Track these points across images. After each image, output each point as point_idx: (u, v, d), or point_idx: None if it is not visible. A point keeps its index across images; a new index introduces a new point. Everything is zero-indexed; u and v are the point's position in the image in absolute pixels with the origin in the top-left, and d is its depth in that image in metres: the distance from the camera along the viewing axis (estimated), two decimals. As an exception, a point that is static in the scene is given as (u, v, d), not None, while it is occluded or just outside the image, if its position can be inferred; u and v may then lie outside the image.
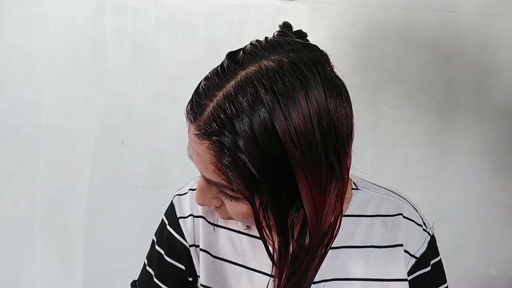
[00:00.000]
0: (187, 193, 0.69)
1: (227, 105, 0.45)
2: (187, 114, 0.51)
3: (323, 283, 0.61)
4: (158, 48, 1.08)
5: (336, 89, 0.48)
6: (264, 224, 0.49)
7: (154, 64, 1.08)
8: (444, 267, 0.68)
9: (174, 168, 1.11)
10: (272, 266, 0.55)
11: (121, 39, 1.07)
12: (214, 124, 0.46)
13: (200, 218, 0.67)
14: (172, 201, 0.70)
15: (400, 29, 1.06)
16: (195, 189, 0.68)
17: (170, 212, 0.69)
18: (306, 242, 0.51)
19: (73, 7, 1.07)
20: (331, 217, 0.51)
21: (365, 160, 1.03)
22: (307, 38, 0.53)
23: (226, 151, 0.46)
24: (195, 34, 1.07)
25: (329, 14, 1.05)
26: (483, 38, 1.06)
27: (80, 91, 1.09)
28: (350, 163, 0.52)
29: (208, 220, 0.67)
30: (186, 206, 0.68)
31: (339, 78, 0.50)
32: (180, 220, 0.67)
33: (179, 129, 1.07)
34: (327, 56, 0.51)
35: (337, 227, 0.52)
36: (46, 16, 1.07)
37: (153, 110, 1.10)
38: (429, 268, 0.65)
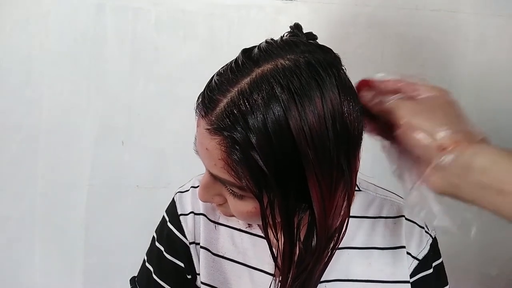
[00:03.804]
0: (188, 190, 0.70)
1: (241, 101, 0.45)
2: (197, 109, 0.51)
3: (324, 284, 0.62)
4: (158, 48, 1.08)
5: (349, 92, 0.49)
6: (270, 223, 0.50)
7: (154, 64, 1.08)
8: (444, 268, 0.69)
9: (174, 168, 1.11)
10: (275, 267, 0.55)
11: (121, 39, 1.07)
12: (227, 119, 0.46)
13: (201, 216, 0.67)
14: (173, 198, 0.71)
15: (400, 29, 1.06)
16: (197, 187, 0.68)
17: (171, 209, 0.70)
18: (313, 244, 0.51)
19: (73, 7, 1.07)
20: (338, 220, 0.51)
21: (365, 160, 1.02)
22: (317, 40, 0.53)
23: (237, 147, 0.46)
24: (195, 34, 1.07)
25: (329, 14, 1.05)
26: (483, 38, 1.06)
27: (80, 91, 1.09)
28: (358, 167, 0.52)
29: (209, 217, 0.68)
30: (188, 203, 0.68)
31: (351, 82, 0.50)
32: (181, 217, 0.68)
33: (179, 129, 1.08)
34: (340, 59, 0.51)
35: (344, 229, 0.52)
36: (46, 16, 1.07)
37: (153, 110, 1.10)
38: (431, 270, 0.65)
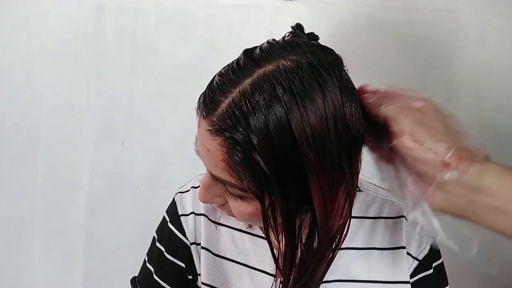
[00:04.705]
0: (189, 190, 0.70)
1: (243, 102, 0.45)
2: (199, 109, 0.50)
3: (325, 284, 0.62)
4: (158, 48, 1.08)
5: (351, 94, 0.48)
6: (271, 224, 0.49)
7: (154, 64, 1.08)
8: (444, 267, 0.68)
9: (174, 168, 1.11)
10: (276, 268, 0.55)
11: (121, 39, 1.07)
12: (229, 120, 0.45)
13: (201, 216, 0.67)
14: (174, 198, 0.70)
15: (400, 29, 1.06)
16: (197, 187, 0.68)
17: (172, 209, 0.70)
18: (314, 246, 0.51)
19: (73, 7, 1.07)
20: (340, 221, 0.50)
21: (366, 161, 1.02)
22: (319, 41, 0.53)
23: (239, 148, 0.45)
24: (195, 34, 1.07)
25: (329, 14, 1.05)
26: (483, 38, 1.06)
27: (80, 91, 1.09)
28: (360, 168, 0.52)
29: (210, 218, 0.68)
30: (188, 203, 0.68)
31: (352, 83, 0.50)
32: (182, 218, 0.68)
33: (179, 129, 1.08)
34: (342, 60, 0.51)
35: (345, 231, 0.52)
36: (46, 16, 1.06)
37: (153, 110, 1.10)
38: (431, 271, 0.65)
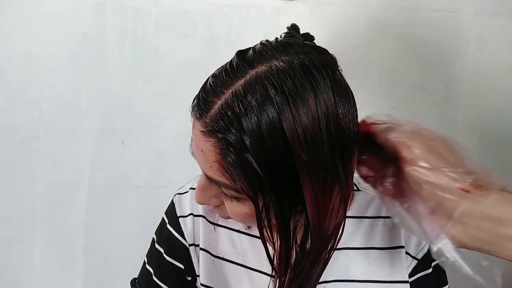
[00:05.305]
0: (187, 192, 0.70)
1: (235, 103, 0.45)
2: (193, 111, 0.50)
3: (323, 285, 0.62)
4: (158, 48, 1.08)
5: (345, 94, 0.48)
6: (265, 225, 0.49)
7: (154, 64, 1.08)
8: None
9: (174, 168, 1.11)
10: (272, 269, 0.55)
11: (121, 39, 1.07)
12: (221, 122, 0.45)
13: (200, 217, 0.67)
14: (172, 200, 0.70)
15: (400, 29, 1.06)
16: (195, 188, 0.68)
17: (171, 211, 0.70)
18: (308, 246, 0.50)
19: (73, 7, 1.07)
20: (334, 222, 0.50)
21: None
22: (314, 41, 0.53)
23: (232, 149, 0.45)
24: (195, 34, 1.07)
25: (329, 14, 1.05)
26: (483, 38, 1.06)
27: (80, 91, 1.09)
28: (355, 169, 0.51)
29: (208, 219, 0.67)
30: (187, 205, 0.68)
31: (347, 83, 0.50)
32: (180, 219, 0.68)
33: (179, 129, 1.08)
34: (336, 60, 0.51)
35: (340, 232, 0.52)
36: (46, 16, 1.07)
37: (153, 110, 1.10)
38: (430, 270, 0.65)
